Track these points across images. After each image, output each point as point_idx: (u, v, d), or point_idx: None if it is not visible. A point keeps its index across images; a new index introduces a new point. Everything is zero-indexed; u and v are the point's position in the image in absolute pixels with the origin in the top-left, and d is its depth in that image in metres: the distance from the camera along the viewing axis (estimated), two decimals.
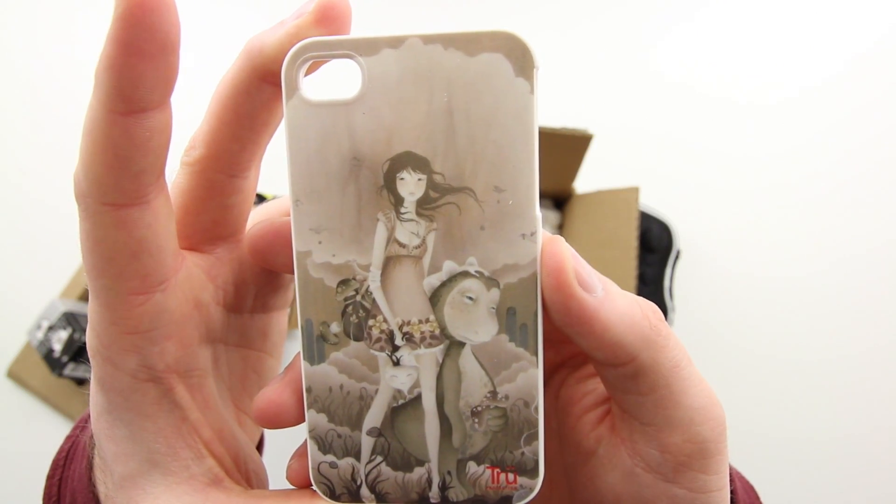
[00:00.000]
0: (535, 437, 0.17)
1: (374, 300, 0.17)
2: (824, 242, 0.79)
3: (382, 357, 0.17)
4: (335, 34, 0.16)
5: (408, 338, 0.17)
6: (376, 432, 0.17)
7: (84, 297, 0.78)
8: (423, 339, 0.17)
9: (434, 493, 0.17)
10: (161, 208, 0.16)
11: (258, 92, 0.17)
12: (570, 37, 0.89)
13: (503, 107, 0.15)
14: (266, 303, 0.22)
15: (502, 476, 0.17)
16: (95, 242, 0.16)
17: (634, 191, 0.67)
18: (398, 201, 0.16)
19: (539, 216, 0.16)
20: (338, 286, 0.17)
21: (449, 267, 0.16)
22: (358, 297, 0.17)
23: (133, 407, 0.17)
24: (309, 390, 0.17)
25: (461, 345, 0.17)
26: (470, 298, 0.16)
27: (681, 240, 0.78)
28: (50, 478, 0.24)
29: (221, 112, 0.17)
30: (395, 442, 0.17)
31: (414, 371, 0.17)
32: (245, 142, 0.18)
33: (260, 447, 0.26)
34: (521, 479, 0.17)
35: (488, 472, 0.17)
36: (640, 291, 0.75)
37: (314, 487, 0.17)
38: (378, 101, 0.16)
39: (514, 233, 0.16)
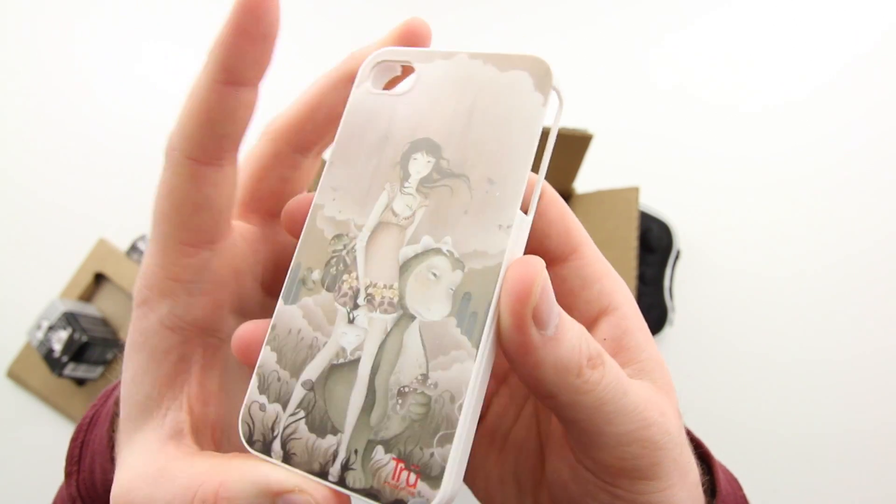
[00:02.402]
0: (449, 439, 0.15)
1: (354, 257, 0.18)
2: (825, 242, 0.79)
3: (342, 312, 0.17)
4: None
5: (369, 299, 0.17)
6: (309, 385, 0.17)
7: (84, 297, 0.78)
8: (381, 303, 0.17)
9: (335, 471, 0.16)
10: (229, 176, 0.18)
11: (343, 89, 0.20)
12: (571, 38, 0.89)
13: (515, 112, 0.17)
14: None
15: (404, 473, 0.15)
16: (169, 190, 0.18)
17: (634, 191, 0.67)
18: (405, 176, 0.18)
19: (519, 216, 0.17)
20: (332, 238, 0.18)
21: (426, 241, 0.17)
22: (343, 252, 0.18)
23: (148, 349, 0.19)
24: (273, 327, 0.18)
25: (412, 318, 0.17)
26: (434, 275, 0.17)
27: (681, 240, 0.78)
28: (73, 440, 0.26)
29: (309, 98, 0.21)
30: (321, 401, 0.17)
31: (363, 333, 0.17)
32: (318, 126, 0.21)
33: None
34: (422, 485, 0.15)
35: (392, 464, 0.16)
36: (640, 291, 0.75)
37: (239, 424, 0.18)
38: (419, 97, 0.19)
39: (492, 222, 0.17)
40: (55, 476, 0.28)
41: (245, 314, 0.21)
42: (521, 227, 0.17)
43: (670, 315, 0.75)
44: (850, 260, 0.78)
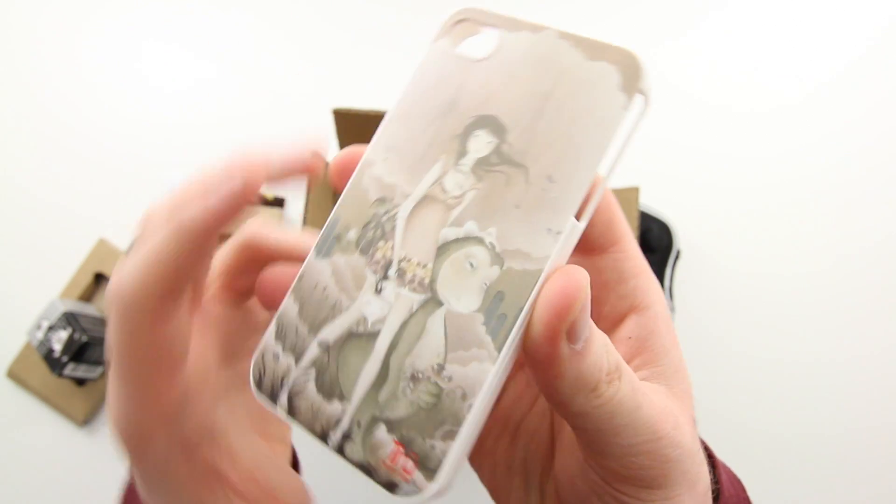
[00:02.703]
0: (453, 436, 0.15)
1: (394, 226, 0.17)
2: (825, 242, 0.79)
3: (370, 280, 0.17)
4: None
5: (400, 273, 0.17)
6: (325, 346, 0.17)
7: (84, 297, 0.78)
8: (411, 280, 0.16)
9: (335, 438, 0.16)
10: (191, 302, 0.18)
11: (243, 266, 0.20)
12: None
13: (593, 110, 0.16)
14: (251, 349, 0.23)
15: (401, 458, 0.15)
16: (135, 338, 0.17)
17: (634, 191, 0.67)
18: (462, 152, 0.17)
19: (571, 223, 0.15)
20: (375, 201, 0.17)
21: (469, 227, 0.16)
22: (384, 218, 0.17)
23: (167, 476, 0.19)
24: (301, 277, 0.18)
25: (439, 304, 0.16)
26: (471, 265, 0.16)
27: (681, 240, 0.78)
28: None
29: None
30: (334, 365, 0.17)
31: (387, 307, 0.16)
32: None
33: (295, 467, 0.26)
34: (417, 475, 0.15)
35: (392, 446, 0.15)
36: None
37: (251, 367, 0.18)
38: (496, 68, 0.17)
39: (542, 223, 0.16)
40: (55, 476, 0.28)
41: (226, 394, 0.21)
42: (572, 234, 0.16)
43: (670, 315, 0.75)
44: (850, 260, 0.78)
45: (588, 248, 0.19)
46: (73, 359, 0.70)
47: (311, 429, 0.16)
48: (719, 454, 0.24)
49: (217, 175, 0.17)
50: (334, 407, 0.16)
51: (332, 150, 0.68)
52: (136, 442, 0.18)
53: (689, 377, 0.19)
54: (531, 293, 0.15)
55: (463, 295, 0.16)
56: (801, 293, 0.78)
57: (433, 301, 0.16)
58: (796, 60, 0.86)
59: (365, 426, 0.16)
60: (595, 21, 0.89)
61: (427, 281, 0.16)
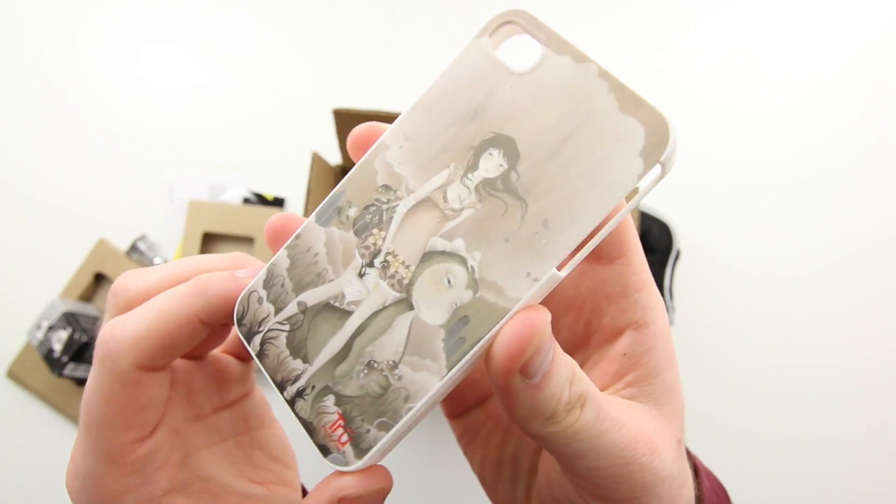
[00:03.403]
0: (387, 428, 0.16)
1: (391, 218, 0.18)
2: (825, 242, 0.79)
3: (357, 262, 0.18)
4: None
5: (384, 265, 0.17)
6: (303, 307, 0.18)
7: (84, 297, 0.78)
8: (392, 275, 0.17)
9: (290, 391, 0.18)
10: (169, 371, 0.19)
11: (198, 326, 0.19)
12: (572, 39, 0.89)
13: (607, 169, 0.16)
14: (226, 399, 0.23)
15: (339, 430, 0.17)
16: (108, 398, 0.17)
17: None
18: (472, 167, 0.17)
19: (552, 273, 0.16)
20: (381, 186, 0.18)
21: (457, 245, 0.17)
22: (384, 206, 0.18)
23: None
24: (298, 237, 0.19)
25: (410, 307, 0.17)
26: (448, 281, 0.17)
27: (681, 240, 0.78)
28: None
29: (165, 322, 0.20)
30: (306, 328, 0.18)
31: (365, 292, 0.17)
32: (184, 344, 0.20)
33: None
34: (348, 449, 0.17)
35: (335, 416, 0.17)
36: None
37: (237, 303, 0.19)
38: (528, 88, 0.17)
39: (524, 265, 0.16)
40: (55, 476, 0.28)
41: (201, 448, 0.21)
42: (549, 282, 0.16)
43: (670, 315, 0.75)
44: (850, 260, 0.78)
45: (594, 257, 0.19)
46: (73, 359, 0.71)
47: (272, 376, 0.18)
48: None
49: (242, 257, 0.19)
50: (296, 364, 0.18)
51: (331, 151, 0.68)
52: None
53: (682, 396, 0.19)
54: (493, 328, 0.16)
55: (433, 307, 0.17)
56: (800, 293, 0.78)
57: (406, 302, 0.17)
58: (796, 61, 0.86)
59: (317, 391, 0.17)
60: (595, 21, 0.89)
61: (406, 282, 0.17)
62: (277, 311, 0.18)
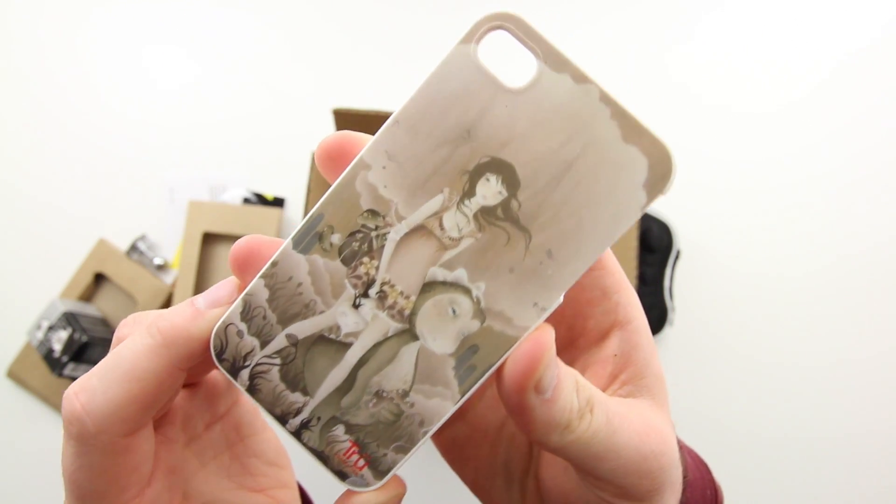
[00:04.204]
0: (405, 451, 0.17)
1: (383, 246, 0.17)
2: (825, 242, 0.79)
3: (349, 292, 0.17)
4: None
5: (381, 296, 0.17)
6: (294, 340, 0.17)
7: (84, 297, 0.78)
8: (391, 306, 0.17)
9: (294, 423, 0.17)
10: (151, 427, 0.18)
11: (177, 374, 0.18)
12: (572, 40, 0.89)
13: (610, 201, 0.16)
14: (216, 413, 0.22)
15: (355, 456, 0.17)
16: (98, 473, 0.16)
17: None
18: (469, 193, 0.16)
19: (559, 301, 0.16)
20: (366, 211, 0.17)
21: (459, 275, 0.17)
22: (373, 234, 0.17)
23: None
24: (275, 264, 0.17)
25: (415, 337, 0.17)
26: (454, 311, 0.17)
27: (681, 240, 0.78)
28: None
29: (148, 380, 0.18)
30: (300, 361, 0.17)
31: (362, 324, 0.17)
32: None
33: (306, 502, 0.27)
34: (366, 472, 0.17)
35: (347, 444, 0.17)
36: (640, 291, 0.75)
37: (212, 338, 0.17)
38: (526, 108, 0.16)
39: (531, 295, 0.16)
40: (55, 476, 0.28)
41: (196, 471, 0.21)
42: (556, 308, 0.16)
43: (670, 315, 0.75)
44: (850, 260, 0.78)
45: None
46: (73, 359, 0.71)
47: (269, 409, 0.18)
48: (715, 453, 0.25)
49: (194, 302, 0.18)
50: (296, 398, 0.17)
51: None
52: None
53: (665, 382, 0.20)
54: (503, 355, 0.16)
55: (440, 337, 0.17)
56: (800, 293, 0.78)
57: (409, 333, 0.17)
58: (796, 61, 0.86)
59: (324, 422, 0.17)
60: (596, 20, 0.89)
61: (407, 313, 0.17)
62: (263, 345, 0.17)
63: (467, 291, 0.16)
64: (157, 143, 0.85)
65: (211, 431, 0.22)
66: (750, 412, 0.75)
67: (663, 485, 0.18)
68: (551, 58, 0.16)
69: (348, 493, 0.17)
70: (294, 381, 0.17)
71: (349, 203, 0.17)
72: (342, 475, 0.17)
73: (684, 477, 0.22)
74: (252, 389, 0.18)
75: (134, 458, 0.17)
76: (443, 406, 0.17)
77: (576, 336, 0.21)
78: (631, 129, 0.16)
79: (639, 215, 0.16)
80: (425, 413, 0.17)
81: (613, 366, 0.20)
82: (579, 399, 0.16)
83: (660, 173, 0.15)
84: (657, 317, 0.75)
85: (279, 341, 0.17)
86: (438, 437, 0.24)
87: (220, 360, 0.17)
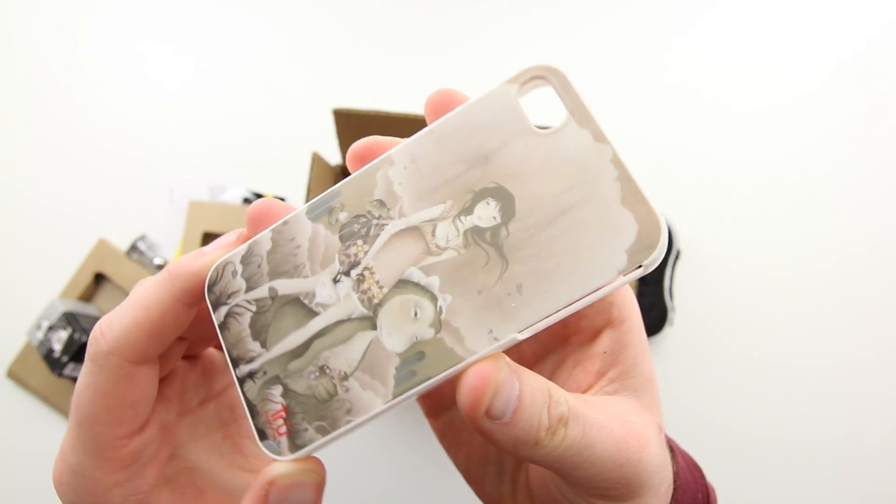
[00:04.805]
0: (324, 432, 0.17)
1: (378, 235, 0.18)
2: (825, 243, 0.79)
3: (335, 267, 0.18)
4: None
5: (359, 279, 0.18)
6: (273, 293, 0.18)
7: (84, 297, 0.78)
8: (364, 291, 0.18)
9: (242, 370, 0.18)
10: (157, 365, 0.19)
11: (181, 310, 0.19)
12: (571, 39, 0.89)
13: (592, 255, 0.16)
14: (212, 390, 0.23)
15: (280, 420, 0.18)
16: (102, 393, 0.18)
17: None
18: (467, 211, 0.17)
19: (514, 337, 0.16)
20: (376, 200, 0.18)
21: (431, 282, 0.17)
22: (374, 221, 0.18)
23: None
24: (286, 223, 0.19)
25: (373, 327, 0.17)
26: (416, 314, 0.17)
27: (681, 240, 0.78)
28: None
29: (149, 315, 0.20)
30: (271, 314, 0.18)
31: (334, 298, 0.18)
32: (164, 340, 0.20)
33: None
34: (283, 441, 0.17)
35: (279, 407, 0.18)
36: (640, 291, 0.75)
37: (211, 269, 0.19)
38: (541, 150, 0.17)
39: (488, 322, 0.16)
40: None
41: (188, 441, 0.22)
42: (507, 344, 0.17)
43: (670, 315, 0.75)
44: (850, 260, 0.78)
45: None
46: (73, 359, 0.71)
47: (229, 350, 0.18)
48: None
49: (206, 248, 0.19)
50: (254, 346, 0.18)
51: (331, 151, 0.68)
52: (90, 501, 0.18)
53: (657, 384, 0.20)
54: (444, 372, 0.16)
55: (395, 333, 0.17)
56: (800, 293, 0.78)
57: (370, 321, 0.17)
58: (797, 61, 0.86)
59: (267, 378, 0.18)
60: (596, 19, 0.89)
61: (375, 301, 0.17)
62: (248, 290, 0.18)
63: (434, 299, 0.17)
64: (157, 142, 0.85)
65: (205, 408, 0.23)
66: (750, 412, 0.75)
67: (641, 487, 0.18)
68: (579, 112, 0.17)
69: (269, 464, 0.18)
70: (259, 330, 0.18)
71: (365, 189, 0.18)
72: (262, 434, 0.18)
73: (675, 480, 0.22)
74: (223, 326, 0.18)
75: (134, 392, 0.18)
76: (373, 402, 0.17)
77: (570, 333, 0.21)
78: (631, 195, 0.16)
79: (614, 277, 0.16)
80: (355, 402, 0.17)
81: (602, 363, 0.20)
82: (551, 416, 0.16)
83: (646, 243, 0.16)
84: (657, 317, 0.75)
85: (261, 291, 0.18)
86: (436, 420, 0.24)
87: (210, 292, 0.19)
